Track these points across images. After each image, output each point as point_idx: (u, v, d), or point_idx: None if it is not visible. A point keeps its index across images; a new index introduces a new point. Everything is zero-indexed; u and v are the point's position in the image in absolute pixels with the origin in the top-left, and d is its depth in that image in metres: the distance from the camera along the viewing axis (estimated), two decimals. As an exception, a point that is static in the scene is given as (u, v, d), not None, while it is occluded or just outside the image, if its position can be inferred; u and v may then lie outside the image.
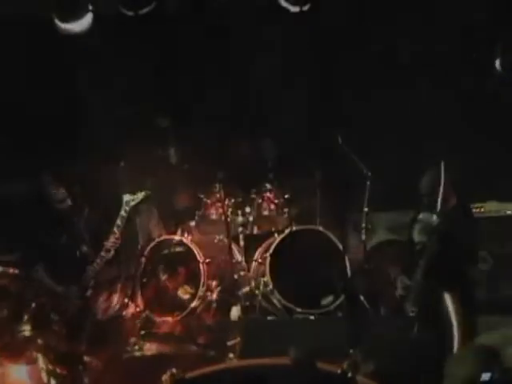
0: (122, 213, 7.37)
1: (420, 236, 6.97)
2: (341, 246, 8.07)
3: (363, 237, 8.19)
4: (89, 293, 7.26)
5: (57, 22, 7.92)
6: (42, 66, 8.96)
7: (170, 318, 8.13)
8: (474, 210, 7.69)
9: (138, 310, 8.28)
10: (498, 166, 8.65)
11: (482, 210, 8.26)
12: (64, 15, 7.87)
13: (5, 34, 8.61)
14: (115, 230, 7.33)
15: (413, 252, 6.95)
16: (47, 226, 7.39)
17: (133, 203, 7.41)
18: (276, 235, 8.46)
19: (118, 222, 7.34)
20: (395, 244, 8.38)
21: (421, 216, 7.01)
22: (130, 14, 8.09)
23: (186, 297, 8.25)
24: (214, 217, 8.62)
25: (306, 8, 7.97)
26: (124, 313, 8.10)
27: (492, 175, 8.52)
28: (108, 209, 7.68)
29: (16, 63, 8.86)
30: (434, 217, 6.81)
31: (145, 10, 8.08)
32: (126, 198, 7.40)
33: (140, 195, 7.45)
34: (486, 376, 5.21)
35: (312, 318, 7.94)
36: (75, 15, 7.91)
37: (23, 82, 8.94)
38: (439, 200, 6.78)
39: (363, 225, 8.19)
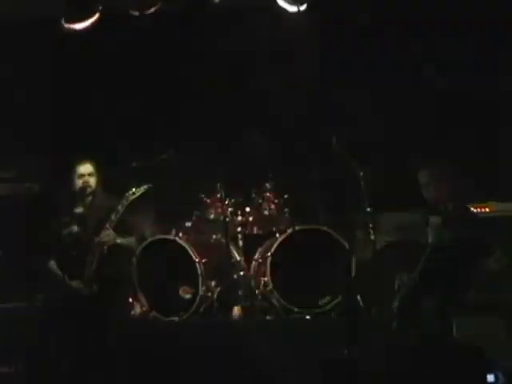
0: (119, 207, 7.19)
1: (433, 238, 6.95)
2: (347, 246, 8.06)
3: (372, 237, 8.23)
4: (94, 288, 7.19)
5: (62, 21, 8.01)
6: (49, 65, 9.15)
7: (176, 318, 8.22)
8: (477, 211, 7.72)
9: (144, 309, 8.38)
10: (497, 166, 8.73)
11: (487, 209, 8.15)
12: (72, 15, 7.99)
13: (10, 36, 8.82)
14: (107, 225, 7.16)
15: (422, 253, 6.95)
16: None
17: (132, 197, 7.25)
18: (277, 235, 8.47)
19: (112, 217, 7.17)
20: (404, 245, 8.36)
21: (431, 219, 6.98)
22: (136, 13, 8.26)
23: (187, 297, 8.32)
24: (212, 216, 8.64)
25: (302, 8, 8.12)
26: (132, 312, 8.32)
27: (491, 175, 8.59)
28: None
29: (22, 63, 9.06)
30: (438, 219, 6.89)
31: (151, 10, 8.26)
32: (128, 192, 7.27)
33: (141, 189, 7.31)
34: (490, 377, 5.33)
35: (308, 317, 8.04)
36: (83, 15, 8.02)
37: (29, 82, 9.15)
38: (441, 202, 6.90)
39: (371, 225, 8.23)
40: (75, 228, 7.26)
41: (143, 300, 8.39)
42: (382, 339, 7.00)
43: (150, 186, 7.36)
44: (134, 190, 7.28)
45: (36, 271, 7.63)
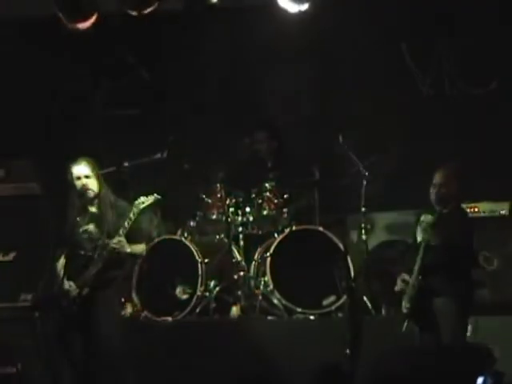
0: (131, 215, 7.05)
1: (421, 236, 6.96)
2: (342, 246, 8.02)
3: (364, 237, 8.30)
4: (85, 291, 7.02)
5: (64, 20, 7.76)
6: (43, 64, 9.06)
7: (169, 318, 8.10)
8: (468, 210, 7.71)
9: (135, 309, 8.27)
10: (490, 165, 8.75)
11: (477, 209, 8.22)
12: (71, 14, 7.73)
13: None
14: (121, 232, 7.03)
15: (416, 252, 6.94)
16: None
17: (143, 206, 7.10)
18: (276, 235, 8.46)
19: (126, 224, 7.04)
20: (396, 244, 8.42)
21: (422, 218, 6.98)
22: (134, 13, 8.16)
23: (185, 297, 8.23)
24: (214, 217, 8.58)
25: (304, 8, 8.04)
26: (123, 313, 8.17)
27: (483, 175, 8.57)
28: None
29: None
30: (430, 217, 6.89)
31: (148, 10, 8.14)
32: (138, 200, 7.14)
33: (151, 198, 7.17)
34: (480, 380, 5.28)
35: (312, 318, 8.01)
36: (82, 14, 7.78)
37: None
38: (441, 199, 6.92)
39: (362, 225, 8.29)
40: (91, 227, 7.12)
41: (136, 300, 8.28)
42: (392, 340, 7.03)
43: (158, 197, 7.21)
44: (142, 199, 7.13)
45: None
